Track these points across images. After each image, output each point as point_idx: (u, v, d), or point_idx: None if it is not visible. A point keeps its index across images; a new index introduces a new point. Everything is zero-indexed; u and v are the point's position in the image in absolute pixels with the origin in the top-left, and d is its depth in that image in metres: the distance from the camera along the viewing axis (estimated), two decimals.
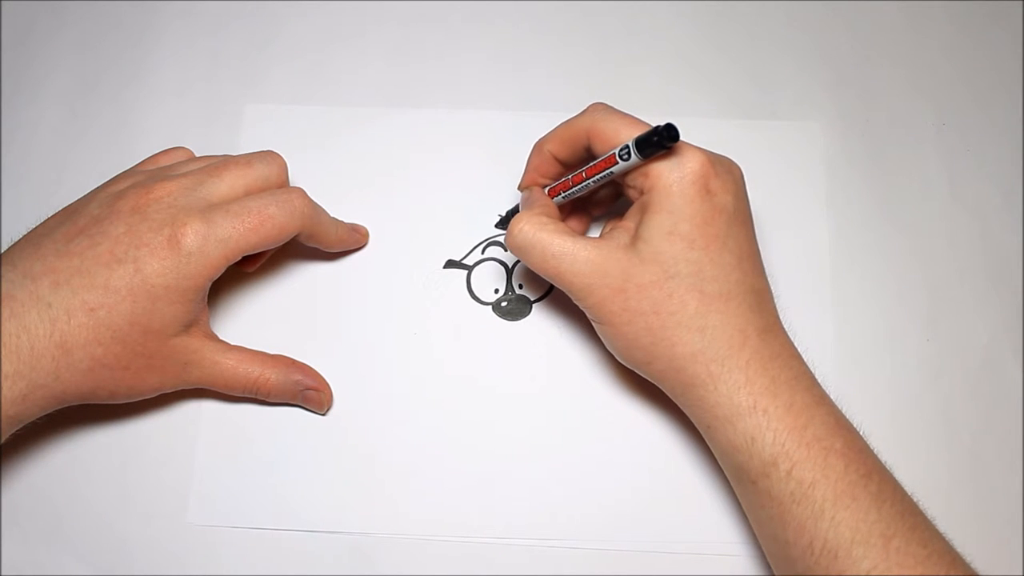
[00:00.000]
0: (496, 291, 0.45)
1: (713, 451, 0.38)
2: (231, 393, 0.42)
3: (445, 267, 0.45)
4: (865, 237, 0.46)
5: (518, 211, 0.42)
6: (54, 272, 0.36)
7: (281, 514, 0.42)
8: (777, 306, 0.43)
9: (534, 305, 0.45)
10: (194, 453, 0.42)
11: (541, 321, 0.45)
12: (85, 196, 0.41)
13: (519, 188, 0.44)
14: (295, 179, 0.44)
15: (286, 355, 0.42)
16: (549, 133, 0.42)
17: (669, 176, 0.36)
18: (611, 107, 0.40)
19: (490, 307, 0.45)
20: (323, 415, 0.43)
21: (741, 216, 0.38)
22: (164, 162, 0.43)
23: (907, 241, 0.46)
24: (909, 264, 0.46)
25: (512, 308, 0.45)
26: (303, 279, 0.45)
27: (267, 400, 0.42)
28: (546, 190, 0.42)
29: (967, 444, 0.43)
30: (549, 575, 0.41)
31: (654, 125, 0.36)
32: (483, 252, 0.46)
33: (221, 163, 0.41)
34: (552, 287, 0.45)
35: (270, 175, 0.41)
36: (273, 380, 0.41)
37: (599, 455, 0.42)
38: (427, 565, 0.41)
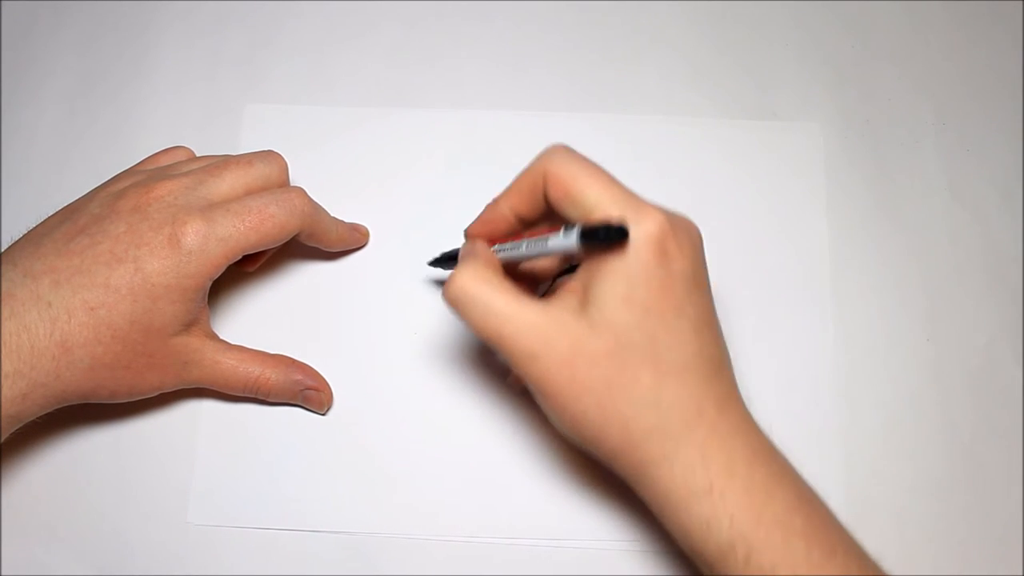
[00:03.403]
0: None
1: (669, 534, 0.35)
2: (231, 393, 0.42)
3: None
4: (865, 237, 0.46)
5: (453, 255, 0.39)
6: (54, 271, 0.36)
7: (281, 514, 0.42)
8: (777, 306, 0.43)
9: None
10: (194, 453, 0.42)
11: None
12: (85, 195, 0.41)
13: (465, 233, 0.40)
14: (295, 179, 0.44)
15: (286, 355, 0.43)
16: (507, 187, 0.38)
17: None
18: (572, 150, 0.36)
19: None
20: (323, 415, 0.43)
21: (699, 281, 0.35)
22: (164, 161, 0.43)
23: (907, 241, 0.46)
24: (909, 264, 0.46)
25: None
26: (303, 279, 0.45)
27: (267, 400, 0.42)
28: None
29: (967, 444, 0.43)
30: (550, 575, 0.41)
31: (603, 219, 0.33)
32: None
33: (221, 162, 0.41)
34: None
35: (270, 174, 0.41)
36: (273, 380, 0.41)
37: None
38: (427, 565, 0.41)
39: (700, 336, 0.34)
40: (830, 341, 0.44)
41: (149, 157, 0.44)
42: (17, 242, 0.39)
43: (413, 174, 0.47)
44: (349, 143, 0.48)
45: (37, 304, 0.36)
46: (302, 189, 0.41)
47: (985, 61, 0.49)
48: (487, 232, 0.39)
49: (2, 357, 0.35)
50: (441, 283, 0.45)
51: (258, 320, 0.44)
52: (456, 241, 0.46)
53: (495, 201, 0.38)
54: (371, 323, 0.45)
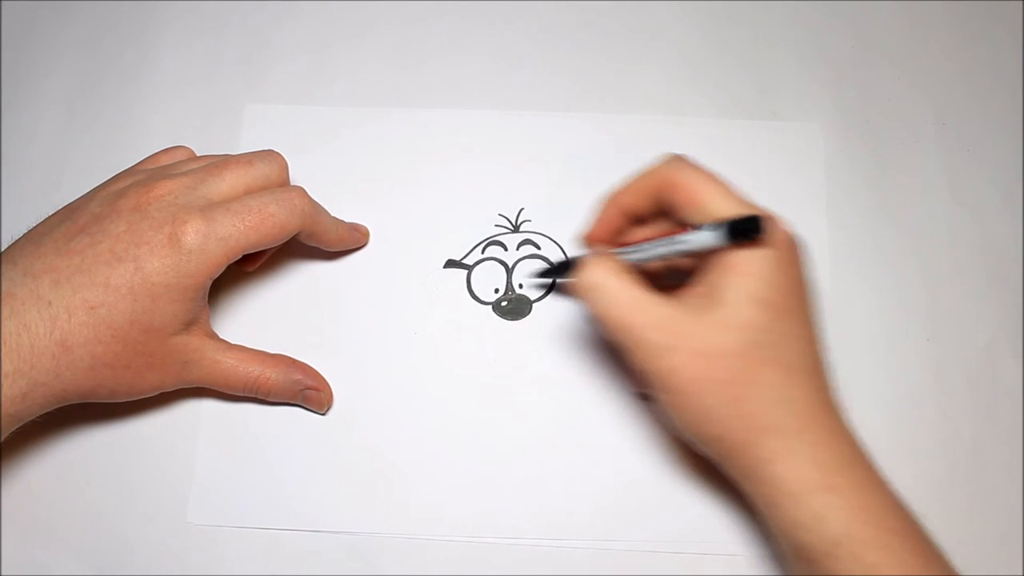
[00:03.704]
0: (496, 291, 0.45)
1: (771, 530, 0.37)
2: (231, 392, 0.42)
3: (445, 267, 0.45)
4: (865, 237, 0.46)
5: (568, 263, 0.40)
6: (54, 270, 0.36)
7: (281, 514, 0.42)
8: None
9: (534, 305, 0.45)
10: (194, 453, 0.42)
11: (541, 321, 0.45)
12: (86, 195, 0.41)
13: (584, 240, 0.41)
14: (295, 179, 0.44)
15: (286, 354, 0.42)
16: (623, 186, 0.39)
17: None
18: (692, 160, 0.38)
19: (490, 307, 0.45)
20: (323, 415, 0.43)
21: (811, 291, 0.37)
22: (165, 161, 0.43)
23: (907, 241, 0.46)
24: (909, 264, 0.46)
25: (512, 308, 0.45)
26: (303, 279, 0.45)
27: (267, 399, 0.42)
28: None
29: (967, 444, 0.43)
30: (551, 575, 0.41)
31: (739, 215, 0.35)
32: (483, 252, 0.46)
33: (222, 162, 0.41)
34: (552, 286, 0.45)
35: (271, 174, 0.41)
36: (273, 379, 0.41)
37: (601, 454, 0.42)
38: (427, 565, 0.41)
39: (814, 340, 0.36)
40: (830, 341, 0.44)
41: (149, 157, 0.44)
42: (17, 241, 0.39)
43: (413, 174, 0.47)
44: (349, 143, 0.48)
45: (37, 303, 0.36)
46: (302, 188, 0.41)
47: (985, 61, 0.50)
48: (605, 231, 0.40)
49: (2, 356, 0.35)
50: (443, 284, 0.45)
51: (258, 320, 0.44)
52: (456, 245, 0.46)
53: (611, 200, 0.39)
54: (371, 323, 0.45)
